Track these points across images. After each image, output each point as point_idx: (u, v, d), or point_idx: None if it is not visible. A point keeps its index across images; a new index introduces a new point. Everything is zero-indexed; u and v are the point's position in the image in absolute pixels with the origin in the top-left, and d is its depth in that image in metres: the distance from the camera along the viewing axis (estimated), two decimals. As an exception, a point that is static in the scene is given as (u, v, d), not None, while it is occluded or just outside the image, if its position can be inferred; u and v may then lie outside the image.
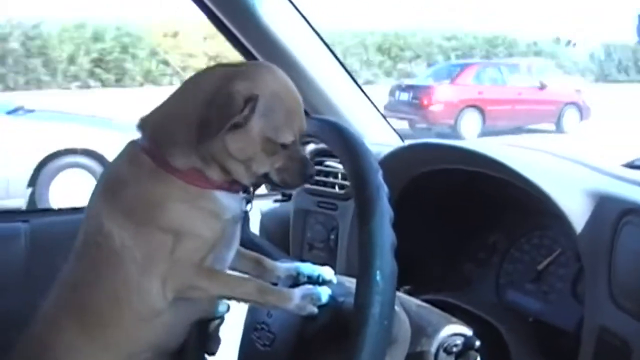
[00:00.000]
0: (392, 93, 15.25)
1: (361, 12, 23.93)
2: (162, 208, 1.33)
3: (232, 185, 1.38)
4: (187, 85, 1.40)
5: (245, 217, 1.42)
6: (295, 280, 1.48)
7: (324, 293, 1.37)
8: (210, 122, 1.28)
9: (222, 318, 1.54)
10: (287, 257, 1.58)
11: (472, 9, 26.22)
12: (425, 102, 14.35)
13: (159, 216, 1.32)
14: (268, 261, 1.52)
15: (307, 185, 2.27)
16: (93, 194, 1.41)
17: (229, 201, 1.38)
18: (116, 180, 1.39)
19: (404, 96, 14.84)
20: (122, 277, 1.33)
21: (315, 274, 1.48)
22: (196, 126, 1.30)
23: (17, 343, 1.45)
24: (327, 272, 1.48)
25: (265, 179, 1.40)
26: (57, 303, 1.41)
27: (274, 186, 1.43)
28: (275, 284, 1.46)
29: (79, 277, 1.39)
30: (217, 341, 1.55)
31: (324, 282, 1.46)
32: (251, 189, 1.44)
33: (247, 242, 1.56)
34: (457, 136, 13.54)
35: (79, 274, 1.40)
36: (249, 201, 1.44)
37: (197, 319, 1.50)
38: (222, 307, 1.52)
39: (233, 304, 1.52)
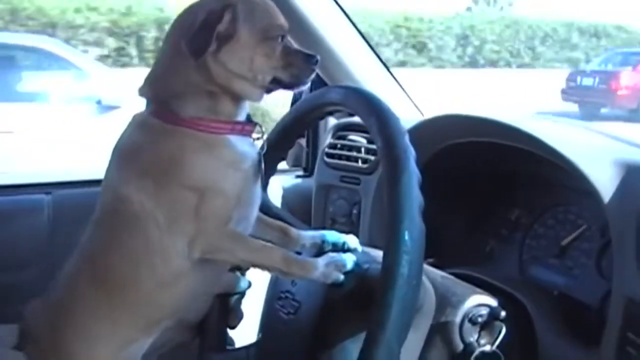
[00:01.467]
0: (571, 78, 15.53)
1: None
2: (180, 163, 1.30)
3: (245, 127, 1.37)
4: (170, 30, 1.38)
5: (259, 165, 1.39)
6: (320, 249, 1.47)
7: (349, 260, 1.37)
8: (195, 41, 1.28)
9: (243, 293, 1.54)
10: (307, 228, 1.57)
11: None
12: (614, 87, 14.64)
13: (178, 172, 1.30)
14: (293, 230, 1.50)
15: (329, 160, 2.27)
16: (108, 165, 1.40)
17: (244, 147, 1.36)
18: (129, 146, 1.38)
19: (588, 81, 15.08)
20: (143, 240, 1.32)
21: (341, 241, 1.47)
22: (188, 59, 1.29)
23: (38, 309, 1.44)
24: (352, 240, 1.48)
25: (274, 83, 1.37)
26: (77, 269, 1.40)
27: (286, 86, 1.40)
28: (300, 253, 1.44)
29: (99, 243, 1.38)
30: (239, 315, 1.55)
31: (348, 250, 1.45)
32: (263, 131, 1.43)
33: (269, 211, 1.55)
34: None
35: (98, 240, 1.39)
36: (262, 147, 1.43)
37: (218, 291, 1.50)
38: (243, 283, 1.52)
39: (254, 277, 1.53)
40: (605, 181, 1.42)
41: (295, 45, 1.41)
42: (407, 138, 1.23)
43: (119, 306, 1.37)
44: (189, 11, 1.36)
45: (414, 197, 1.17)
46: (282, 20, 1.37)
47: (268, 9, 1.36)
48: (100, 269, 1.37)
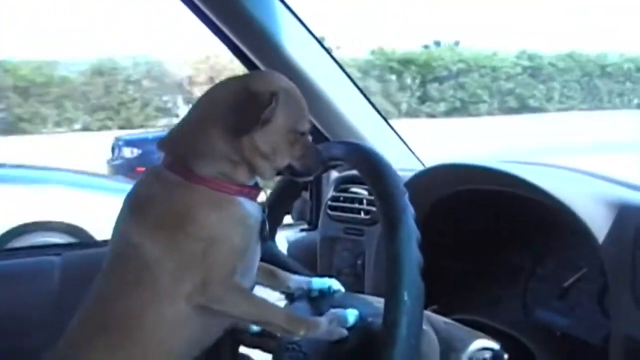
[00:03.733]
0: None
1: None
2: (192, 216, 1.37)
3: (252, 191, 1.45)
4: (204, 99, 1.47)
5: (263, 225, 1.46)
6: (307, 294, 1.54)
7: (351, 315, 1.40)
8: (242, 120, 1.36)
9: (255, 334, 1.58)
10: (304, 271, 1.62)
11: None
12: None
13: (189, 224, 1.36)
14: (280, 272, 1.57)
15: (333, 212, 2.31)
16: (120, 212, 1.46)
17: (250, 207, 1.43)
18: (143, 198, 1.44)
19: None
20: (152, 286, 1.36)
21: (326, 286, 1.54)
22: (225, 130, 1.38)
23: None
24: (334, 284, 1.55)
25: (287, 169, 1.47)
26: (88, 315, 1.44)
27: (295, 175, 1.49)
28: (292, 299, 1.52)
29: (109, 289, 1.43)
30: None
31: (334, 292, 1.53)
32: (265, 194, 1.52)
33: (276, 259, 1.60)
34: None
35: (109, 286, 1.43)
36: (264, 209, 1.49)
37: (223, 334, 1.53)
38: (255, 325, 1.56)
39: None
40: (598, 222, 1.46)
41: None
42: (406, 197, 1.27)
43: (129, 350, 1.40)
44: (232, 87, 1.45)
45: (412, 257, 1.20)
46: (308, 115, 1.48)
47: (301, 102, 1.47)
48: (111, 314, 1.41)
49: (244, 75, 1.52)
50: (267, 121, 1.38)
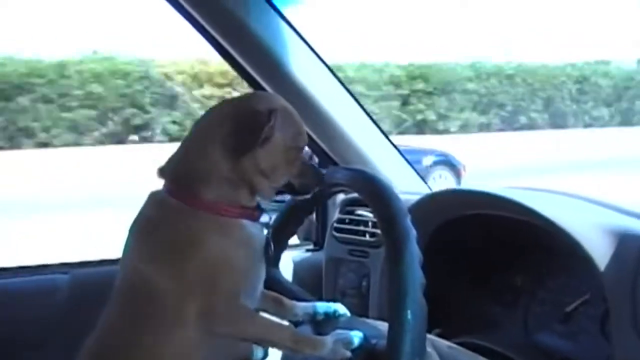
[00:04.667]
0: None
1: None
2: (197, 242, 1.38)
3: (254, 212, 1.47)
4: (200, 124, 1.48)
5: (267, 245, 1.49)
6: (313, 318, 1.55)
7: (356, 337, 1.41)
8: (242, 140, 1.39)
9: None
10: (309, 297, 1.64)
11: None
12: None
13: (195, 250, 1.38)
14: (287, 300, 1.58)
15: (338, 234, 2.34)
16: (126, 241, 1.47)
17: (254, 230, 1.46)
18: (147, 226, 1.45)
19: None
20: (161, 311, 1.38)
21: (331, 309, 1.56)
22: (225, 151, 1.40)
23: None
24: (340, 308, 1.57)
25: (286, 187, 1.50)
26: (99, 343, 1.45)
27: (294, 192, 1.52)
28: (296, 323, 1.53)
29: (119, 316, 1.44)
30: None
31: (339, 316, 1.55)
32: (270, 217, 1.53)
33: (270, 279, 1.62)
34: None
35: (119, 313, 1.44)
36: (267, 229, 1.52)
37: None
38: (259, 353, 1.58)
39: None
40: (600, 250, 1.48)
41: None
42: (408, 219, 1.30)
43: None
44: (230, 108, 1.47)
45: (415, 277, 1.23)
46: (305, 132, 1.50)
47: (297, 118, 1.49)
48: (120, 344, 1.42)
49: (240, 97, 1.54)
50: (267, 139, 1.40)
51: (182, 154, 1.47)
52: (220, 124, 1.43)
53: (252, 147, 1.38)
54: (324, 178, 1.52)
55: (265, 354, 1.56)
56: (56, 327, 2.16)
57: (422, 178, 2.48)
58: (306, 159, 1.52)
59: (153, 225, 1.44)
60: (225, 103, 1.50)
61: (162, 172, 1.48)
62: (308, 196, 1.54)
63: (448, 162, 12.00)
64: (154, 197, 1.47)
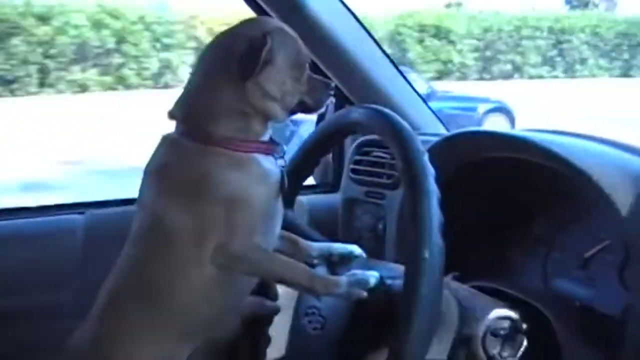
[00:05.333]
0: None
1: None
2: (212, 179, 1.38)
3: (269, 147, 1.47)
4: (201, 59, 1.48)
5: (282, 180, 1.47)
6: (328, 260, 1.56)
7: (372, 277, 1.41)
8: (242, 66, 1.38)
9: (271, 319, 1.60)
10: (322, 238, 1.63)
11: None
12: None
13: (209, 188, 1.38)
14: (302, 241, 1.58)
15: (355, 175, 2.31)
16: (142, 185, 1.48)
17: (269, 164, 1.45)
18: (161, 166, 1.45)
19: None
20: (178, 252, 1.39)
21: (347, 251, 1.57)
22: (229, 82, 1.40)
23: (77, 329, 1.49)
24: (356, 249, 1.58)
25: (299, 106, 1.49)
26: (116, 284, 1.46)
27: (307, 109, 1.51)
28: (312, 265, 1.52)
29: (137, 258, 1.45)
30: (266, 340, 1.61)
31: (354, 258, 1.55)
32: (284, 150, 1.52)
33: (294, 228, 1.61)
34: None
35: (136, 256, 1.45)
36: (282, 165, 1.51)
37: (248, 310, 1.56)
38: (271, 304, 1.59)
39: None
40: (622, 194, 1.45)
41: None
42: (426, 157, 1.28)
43: (159, 317, 1.43)
44: (225, 38, 1.47)
45: (433, 216, 1.22)
46: (305, 48, 1.49)
47: (296, 38, 1.47)
48: (139, 283, 1.44)
49: (235, 25, 1.50)
50: (267, 62, 1.39)
51: (189, 93, 1.47)
52: (219, 57, 1.43)
53: (252, 73, 1.37)
54: (333, 89, 1.52)
55: (278, 309, 1.58)
56: (73, 267, 2.18)
57: (440, 119, 2.44)
58: (312, 74, 1.50)
59: (167, 166, 1.44)
60: (221, 35, 1.48)
61: (172, 114, 1.47)
62: (322, 110, 1.53)
63: (503, 109, 12.11)
64: (166, 139, 1.47)
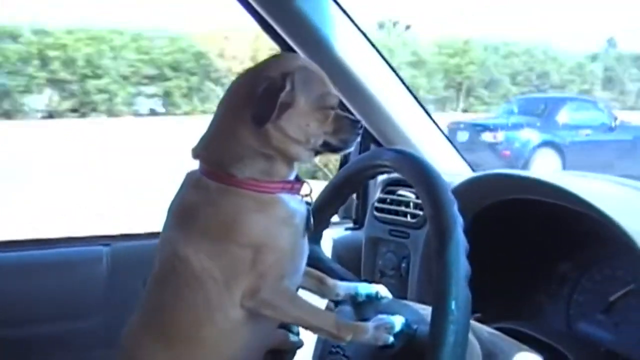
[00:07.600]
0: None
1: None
2: (236, 222, 1.37)
3: (294, 186, 1.44)
4: (224, 98, 1.45)
5: (308, 220, 1.46)
6: (354, 300, 1.54)
7: (398, 322, 1.40)
8: (259, 110, 1.34)
9: (294, 352, 1.60)
10: (350, 276, 1.63)
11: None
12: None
13: (235, 231, 1.36)
14: (329, 280, 1.56)
15: (379, 214, 2.33)
16: (165, 223, 1.46)
17: (294, 204, 1.43)
18: (185, 206, 1.44)
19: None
20: (203, 296, 1.38)
21: (373, 292, 1.55)
22: (249, 124, 1.35)
23: None
24: (382, 290, 1.56)
25: (324, 147, 1.44)
26: (141, 324, 1.46)
27: (332, 150, 1.46)
28: (336, 303, 1.53)
29: (161, 299, 1.44)
30: None
31: (381, 299, 1.54)
32: (311, 188, 1.49)
33: (321, 264, 1.61)
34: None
35: (160, 297, 1.44)
36: (308, 203, 1.49)
37: (271, 346, 1.56)
38: (295, 340, 1.59)
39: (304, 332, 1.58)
40: None
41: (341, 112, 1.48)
42: (455, 207, 1.28)
43: (183, 357, 1.42)
44: (247, 78, 1.43)
45: (460, 267, 1.22)
46: (334, 89, 1.44)
47: (322, 77, 1.43)
48: (164, 324, 1.43)
49: (259, 63, 1.46)
50: (287, 105, 1.35)
51: (211, 132, 1.45)
52: (239, 97, 1.40)
53: (269, 117, 1.34)
54: (362, 129, 1.48)
55: (301, 343, 1.57)
56: (98, 297, 2.21)
57: (465, 159, 2.45)
58: (341, 113, 1.45)
59: (191, 207, 1.42)
60: (245, 73, 1.46)
61: (195, 152, 1.45)
62: (349, 150, 1.50)
63: (552, 143, 12.09)
64: (190, 178, 1.45)
